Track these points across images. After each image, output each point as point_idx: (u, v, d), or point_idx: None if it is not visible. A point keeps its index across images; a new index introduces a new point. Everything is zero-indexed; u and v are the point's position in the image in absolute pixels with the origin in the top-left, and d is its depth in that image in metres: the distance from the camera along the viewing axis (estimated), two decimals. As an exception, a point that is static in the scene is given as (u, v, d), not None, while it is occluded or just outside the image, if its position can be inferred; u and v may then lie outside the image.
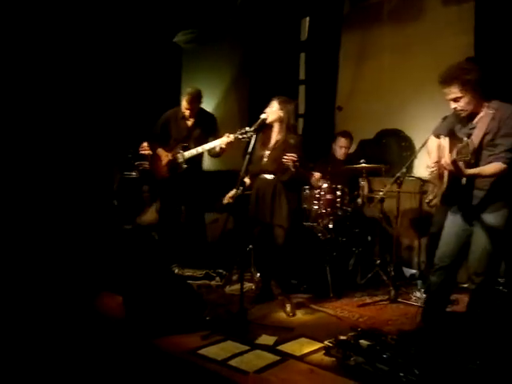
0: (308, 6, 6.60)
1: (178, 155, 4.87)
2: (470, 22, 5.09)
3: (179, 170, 4.89)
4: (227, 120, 5.44)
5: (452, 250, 3.26)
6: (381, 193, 4.75)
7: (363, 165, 4.79)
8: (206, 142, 4.71)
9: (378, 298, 4.45)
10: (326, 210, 4.89)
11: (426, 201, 4.67)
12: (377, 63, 6.09)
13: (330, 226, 4.93)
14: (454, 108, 3.10)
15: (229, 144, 4.38)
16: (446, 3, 5.54)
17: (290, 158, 3.80)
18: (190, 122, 5.01)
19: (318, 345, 3.28)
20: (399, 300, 4.36)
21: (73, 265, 4.42)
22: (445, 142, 3.16)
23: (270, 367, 2.99)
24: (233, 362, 3.04)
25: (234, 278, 4.74)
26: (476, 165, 3.05)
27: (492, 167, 3.00)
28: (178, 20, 6.96)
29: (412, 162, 4.62)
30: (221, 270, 4.99)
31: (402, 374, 2.71)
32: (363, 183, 4.85)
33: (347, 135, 5.35)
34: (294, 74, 6.95)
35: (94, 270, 4.40)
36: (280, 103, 4.02)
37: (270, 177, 4.04)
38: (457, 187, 3.12)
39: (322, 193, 4.90)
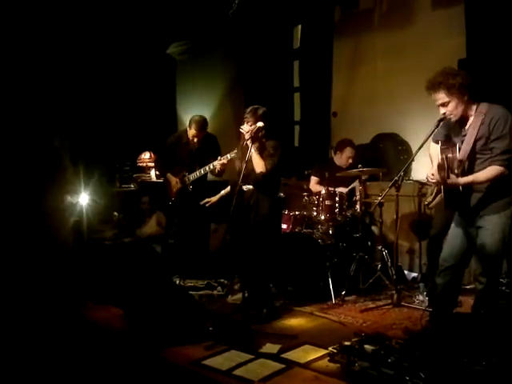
0: (299, 14, 6.65)
1: (185, 179, 5.15)
2: (460, 24, 5.12)
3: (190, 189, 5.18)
4: (223, 130, 5.46)
5: (456, 251, 3.25)
6: (379, 197, 4.76)
7: (361, 169, 4.78)
8: (209, 162, 4.84)
9: (380, 303, 4.44)
10: (325, 215, 4.89)
11: (426, 203, 4.69)
12: (370, 68, 6.13)
13: (330, 231, 4.94)
14: (444, 113, 3.13)
15: (224, 165, 4.55)
16: (435, 7, 5.58)
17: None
18: (193, 147, 5.20)
19: (323, 351, 3.26)
20: (402, 304, 4.35)
21: (55, 277, 4.48)
22: (435, 150, 3.18)
23: (275, 375, 2.98)
24: (238, 372, 3.03)
25: (236, 287, 4.73)
26: (470, 170, 3.07)
27: (488, 171, 3.02)
28: (171, 32, 7.00)
29: (409, 165, 4.62)
30: (222, 280, 4.98)
31: (407, 378, 2.70)
32: (360, 188, 4.85)
33: (353, 144, 5.33)
34: (288, 82, 7.00)
35: (79, 283, 4.45)
36: (252, 115, 4.00)
37: (249, 187, 4.04)
38: (455, 193, 3.13)
39: (321, 199, 4.91)
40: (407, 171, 4.76)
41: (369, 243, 5.05)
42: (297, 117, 6.97)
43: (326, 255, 4.59)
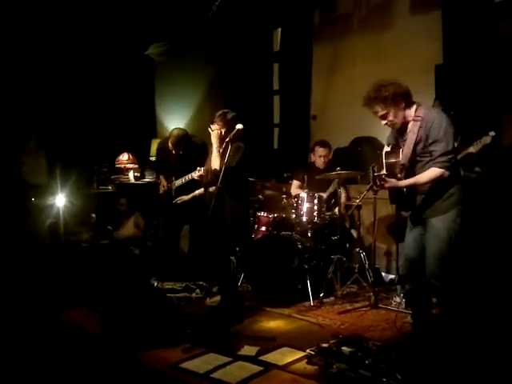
0: (279, 17, 6.67)
1: (171, 184, 5.22)
2: (437, 29, 5.20)
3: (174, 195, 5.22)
4: (201, 133, 5.41)
5: (412, 257, 3.31)
6: (357, 200, 4.80)
7: (339, 172, 4.81)
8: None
9: (358, 305, 4.46)
10: (304, 218, 4.91)
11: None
12: (349, 72, 6.17)
13: (309, 234, 4.96)
14: (386, 124, 3.23)
15: (202, 176, 4.63)
16: (413, 12, 5.65)
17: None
18: (177, 154, 5.23)
19: (301, 353, 3.27)
20: (379, 306, 4.37)
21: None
22: (383, 153, 3.27)
23: (253, 378, 2.97)
24: (216, 375, 3.01)
25: (214, 289, 4.70)
26: (412, 174, 3.16)
27: (428, 173, 3.11)
28: (150, 32, 6.96)
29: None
30: (201, 282, 4.96)
31: (384, 380, 2.72)
32: (340, 191, 4.88)
33: (325, 144, 5.36)
34: (267, 85, 7.01)
35: (55, 285, 4.41)
36: (222, 120, 4.11)
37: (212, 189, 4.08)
38: (399, 194, 3.24)
39: (300, 201, 4.92)
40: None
41: (347, 245, 5.08)
42: (276, 119, 6.99)
43: (304, 257, 4.60)
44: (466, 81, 4.87)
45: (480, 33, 4.85)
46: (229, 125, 4.05)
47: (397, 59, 5.59)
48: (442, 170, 3.06)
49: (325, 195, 5.04)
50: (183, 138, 5.12)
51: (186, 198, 4.96)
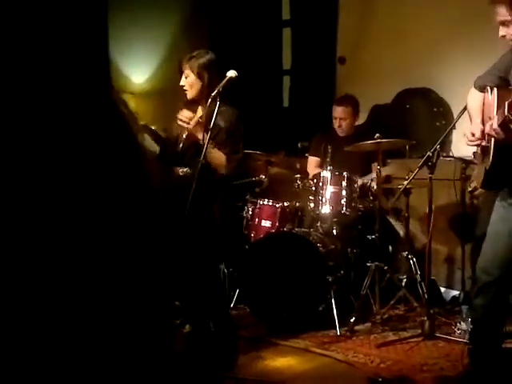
0: None
1: None
2: None
3: None
4: (176, 81, 5.36)
5: (502, 257, 3.25)
6: (405, 181, 4.77)
7: (378, 141, 4.78)
8: None
9: (406, 334, 4.48)
10: (327, 208, 4.90)
11: (469, 189, 4.77)
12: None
13: (334, 231, 4.95)
14: (502, 36, 3.15)
15: None
16: None
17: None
18: None
19: (323, 405, 3.29)
20: (437, 335, 4.37)
21: None
22: (492, 95, 3.17)
23: None
24: None
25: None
26: None
27: None
28: None
29: (449, 134, 4.63)
30: (176, 302, 4.97)
31: None
32: (378, 168, 4.86)
33: (344, 101, 5.38)
34: (274, 13, 6.97)
35: None
36: (194, 66, 3.92)
37: (185, 169, 3.94)
38: (507, 162, 3.13)
39: (321, 184, 4.90)
40: (445, 144, 4.76)
41: (390, 248, 5.09)
42: (287, 64, 6.95)
43: (327, 266, 4.61)
44: None
45: None
46: (204, 74, 3.92)
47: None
48: None
49: (360, 181, 5.02)
50: None
51: None
